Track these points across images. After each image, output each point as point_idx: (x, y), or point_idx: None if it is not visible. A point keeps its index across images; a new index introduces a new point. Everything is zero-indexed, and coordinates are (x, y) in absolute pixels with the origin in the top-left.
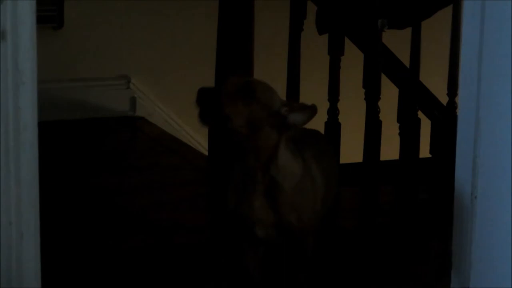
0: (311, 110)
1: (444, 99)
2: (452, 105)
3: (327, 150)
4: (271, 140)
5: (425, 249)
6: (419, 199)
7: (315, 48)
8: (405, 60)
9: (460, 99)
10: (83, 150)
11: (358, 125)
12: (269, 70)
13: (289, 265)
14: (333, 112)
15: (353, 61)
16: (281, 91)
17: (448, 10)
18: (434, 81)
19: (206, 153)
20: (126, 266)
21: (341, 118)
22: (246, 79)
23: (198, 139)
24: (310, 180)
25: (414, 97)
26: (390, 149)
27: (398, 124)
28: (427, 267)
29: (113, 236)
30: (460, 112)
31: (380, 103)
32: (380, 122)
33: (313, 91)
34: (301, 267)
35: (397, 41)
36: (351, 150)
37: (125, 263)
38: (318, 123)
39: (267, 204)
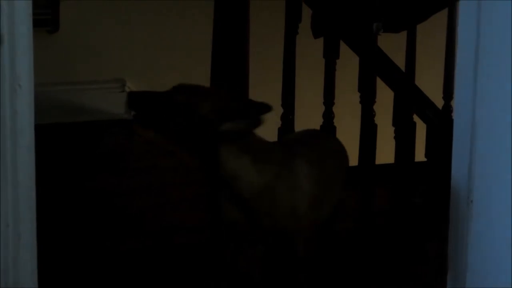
0: (255, 118)
1: (439, 103)
2: (448, 108)
3: (331, 153)
4: (203, 150)
5: (422, 250)
6: (414, 202)
7: (310, 51)
8: (401, 63)
9: (456, 103)
10: (79, 152)
11: (354, 129)
12: (265, 73)
13: (289, 265)
14: (328, 115)
15: (348, 64)
16: (277, 94)
17: (443, 14)
18: (430, 85)
19: None
20: (125, 267)
21: (336, 121)
22: (177, 86)
23: None
24: (287, 186)
25: (410, 101)
26: (385, 153)
27: (393, 128)
28: (426, 267)
29: (111, 237)
30: (455, 115)
31: (375, 107)
32: (376, 125)
33: (308, 94)
34: (295, 267)
35: (392, 45)
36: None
37: (124, 264)
38: (313, 127)
39: (237, 209)
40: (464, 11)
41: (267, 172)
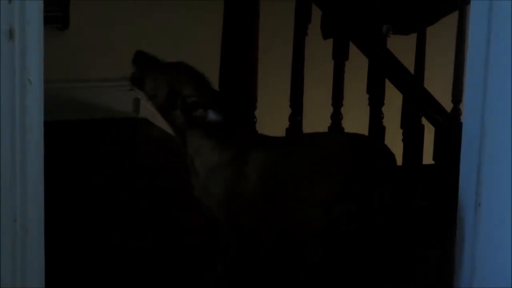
0: (226, 114)
1: (448, 106)
2: (457, 112)
3: (326, 156)
4: (178, 122)
5: (423, 251)
6: (420, 205)
7: (319, 52)
8: (410, 65)
9: (465, 106)
10: (86, 150)
11: (362, 131)
12: (273, 74)
13: (289, 265)
14: (336, 117)
15: (357, 66)
16: (285, 95)
17: (454, 17)
18: (439, 88)
19: None
20: (131, 266)
21: (344, 123)
22: (177, 63)
23: None
24: (238, 174)
25: (418, 103)
26: None
27: (401, 130)
28: (426, 267)
29: (116, 236)
30: (464, 119)
31: (383, 109)
32: (384, 127)
33: (317, 95)
34: (296, 267)
35: (401, 47)
36: None
37: (130, 263)
38: (321, 128)
39: (197, 185)
40: (475, 13)
41: (220, 155)
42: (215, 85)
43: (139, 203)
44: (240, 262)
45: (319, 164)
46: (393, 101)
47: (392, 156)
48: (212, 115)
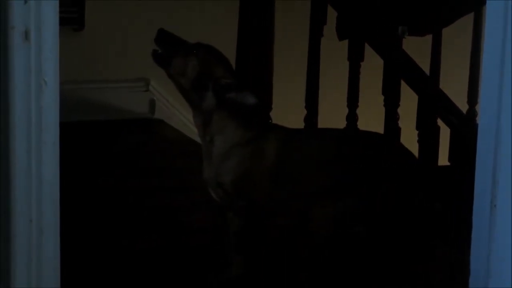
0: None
1: (464, 107)
2: (472, 113)
3: (340, 151)
4: (207, 103)
5: (431, 252)
6: (434, 207)
7: (335, 54)
8: (425, 67)
9: (481, 107)
10: (101, 151)
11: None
12: (289, 75)
13: (289, 264)
14: (351, 118)
15: (372, 67)
16: (301, 95)
17: (469, 18)
18: (454, 89)
19: None
20: (141, 267)
21: (359, 124)
22: (201, 44)
23: None
24: (257, 153)
25: (434, 105)
26: None
27: (417, 131)
28: (428, 266)
29: (127, 236)
30: (480, 120)
31: (399, 110)
32: (399, 128)
33: (332, 96)
34: (297, 266)
35: (417, 48)
36: None
37: (140, 264)
38: None
39: (210, 165)
40: (491, 14)
41: (242, 135)
42: None
43: (145, 204)
44: (249, 240)
45: (329, 156)
46: (409, 102)
47: (410, 155)
48: (250, 98)
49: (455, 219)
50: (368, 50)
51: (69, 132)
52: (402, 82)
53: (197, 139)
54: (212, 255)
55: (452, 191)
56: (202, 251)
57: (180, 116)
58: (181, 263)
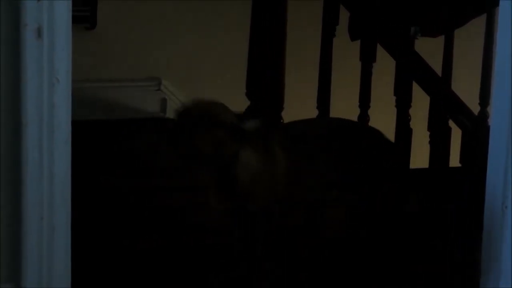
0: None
1: (475, 108)
2: (484, 114)
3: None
4: (230, 148)
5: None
6: (446, 208)
7: (346, 54)
8: (437, 68)
9: (493, 109)
10: (111, 150)
11: (388, 133)
12: (301, 75)
13: (289, 264)
14: (363, 118)
15: (384, 68)
16: (312, 97)
17: (482, 19)
18: (466, 90)
19: None
20: (141, 267)
21: (371, 124)
22: (204, 108)
23: None
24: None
25: (445, 106)
26: (420, 157)
27: (428, 133)
28: (428, 266)
29: (127, 236)
30: (492, 121)
31: (411, 111)
32: (411, 130)
33: (344, 97)
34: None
35: (429, 49)
36: None
37: (140, 264)
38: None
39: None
40: (504, 15)
41: (260, 157)
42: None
43: (145, 203)
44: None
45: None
46: (420, 103)
47: (378, 134)
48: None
49: (457, 220)
50: (380, 51)
51: (79, 131)
52: (414, 83)
53: None
54: (213, 255)
55: (463, 192)
56: (203, 251)
57: None
58: (181, 263)
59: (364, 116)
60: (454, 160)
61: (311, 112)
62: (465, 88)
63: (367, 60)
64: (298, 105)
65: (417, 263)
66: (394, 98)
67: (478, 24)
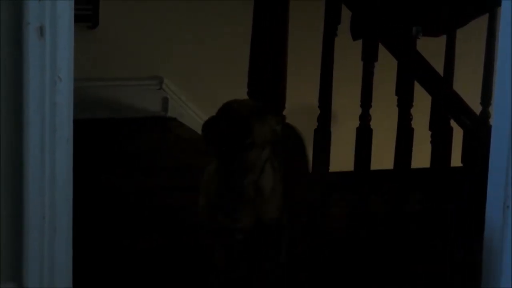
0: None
1: (477, 108)
2: (486, 114)
3: (294, 146)
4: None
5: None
6: (447, 208)
7: (348, 53)
8: (439, 68)
9: (494, 109)
10: (113, 149)
11: (390, 132)
12: (302, 74)
13: (289, 264)
14: (365, 118)
15: (386, 67)
16: (314, 96)
17: (483, 19)
18: (468, 90)
19: None
20: (142, 267)
21: (373, 124)
22: (242, 125)
23: None
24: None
25: (447, 106)
26: (421, 157)
27: (430, 132)
28: (428, 266)
29: (128, 235)
30: (494, 121)
31: (412, 111)
32: (412, 129)
33: (346, 96)
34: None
35: (431, 49)
36: (382, 157)
37: (141, 264)
38: (350, 129)
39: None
40: (506, 14)
41: (275, 169)
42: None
43: (145, 202)
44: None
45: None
46: (422, 103)
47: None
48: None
49: (457, 220)
50: (382, 51)
51: (81, 130)
52: (416, 83)
53: None
54: (213, 255)
55: (464, 192)
56: (203, 251)
57: (193, 114)
58: (181, 263)
59: (365, 115)
60: (456, 160)
61: (312, 112)
62: (467, 88)
63: (369, 59)
64: (300, 105)
65: (417, 263)
66: (395, 97)
67: (480, 24)
